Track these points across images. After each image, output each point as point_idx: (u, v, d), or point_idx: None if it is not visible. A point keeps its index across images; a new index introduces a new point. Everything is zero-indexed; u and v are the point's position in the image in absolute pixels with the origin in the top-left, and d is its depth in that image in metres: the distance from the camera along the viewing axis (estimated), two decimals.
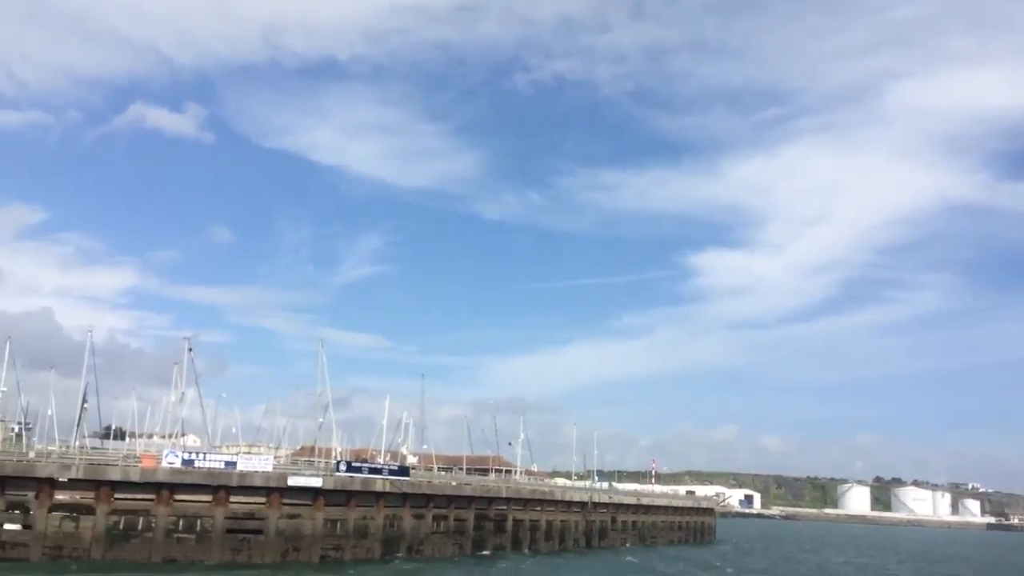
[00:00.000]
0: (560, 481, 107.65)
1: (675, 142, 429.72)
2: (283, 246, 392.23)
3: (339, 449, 74.20)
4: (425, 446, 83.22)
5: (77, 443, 61.80)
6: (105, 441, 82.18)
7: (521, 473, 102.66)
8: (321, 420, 63.44)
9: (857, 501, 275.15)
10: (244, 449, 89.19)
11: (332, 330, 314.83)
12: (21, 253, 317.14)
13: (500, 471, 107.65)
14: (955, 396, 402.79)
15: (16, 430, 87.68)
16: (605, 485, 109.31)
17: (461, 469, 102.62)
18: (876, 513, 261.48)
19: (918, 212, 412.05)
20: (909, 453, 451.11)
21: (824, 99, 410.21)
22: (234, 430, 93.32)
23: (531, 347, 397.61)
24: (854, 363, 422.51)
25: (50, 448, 58.07)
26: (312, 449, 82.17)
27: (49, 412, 70.21)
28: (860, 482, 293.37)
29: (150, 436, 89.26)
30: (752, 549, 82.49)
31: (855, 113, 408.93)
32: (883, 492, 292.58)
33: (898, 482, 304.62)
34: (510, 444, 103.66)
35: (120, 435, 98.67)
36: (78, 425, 59.48)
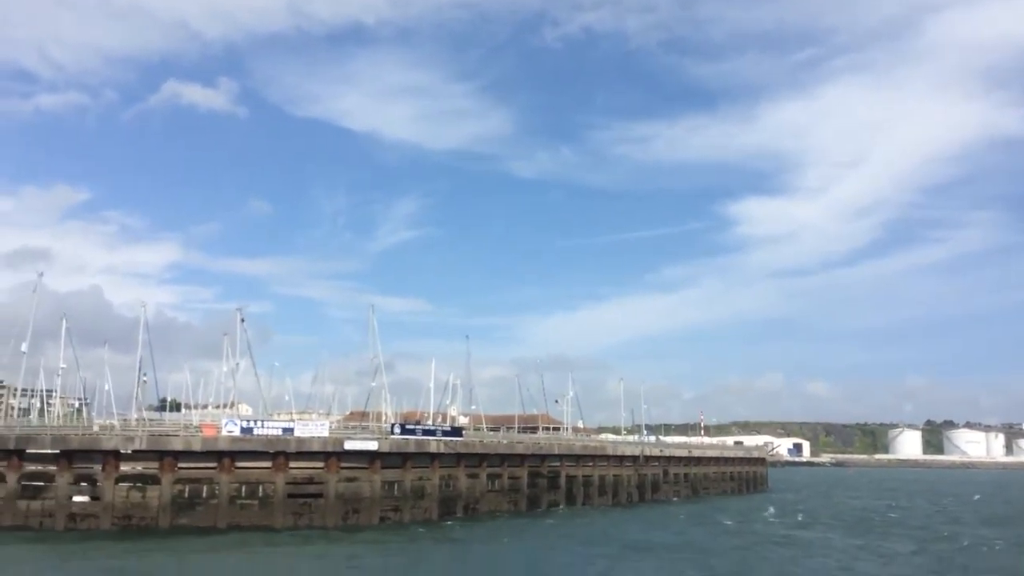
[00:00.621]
0: (608, 436, 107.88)
1: (709, 89, 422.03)
2: (321, 215, 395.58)
3: (389, 413, 75.07)
4: (474, 407, 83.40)
5: (136, 416, 63.29)
6: (163, 413, 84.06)
7: (568, 430, 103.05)
8: (373, 384, 63.93)
9: (908, 445, 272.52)
10: (296, 416, 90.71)
11: (373, 296, 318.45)
12: (68, 234, 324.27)
13: (548, 429, 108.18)
14: (1005, 335, 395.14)
15: (77, 406, 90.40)
16: (652, 439, 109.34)
17: (509, 428, 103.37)
18: (928, 457, 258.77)
19: (961, 148, 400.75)
20: (960, 395, 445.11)
21: (860, 37, 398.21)
22: (287, 397, 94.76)
23: (571, 304, 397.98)
24: (901, 305, 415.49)
25: (110, 422, 59.47)
26: (362, 414, 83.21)
27: (107, 387, 72.12)
28: (911, 426, 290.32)
29: (204, 407, 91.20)
30: (805, 497, 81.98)
31: (893, 50, 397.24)
32: (935, 435, 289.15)
33: (950, 425, 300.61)
34: (556, 402, 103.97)
35: (175, 407, 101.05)
36: (136, 398, 60.81)
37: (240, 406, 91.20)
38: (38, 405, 79.67)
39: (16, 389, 76.86)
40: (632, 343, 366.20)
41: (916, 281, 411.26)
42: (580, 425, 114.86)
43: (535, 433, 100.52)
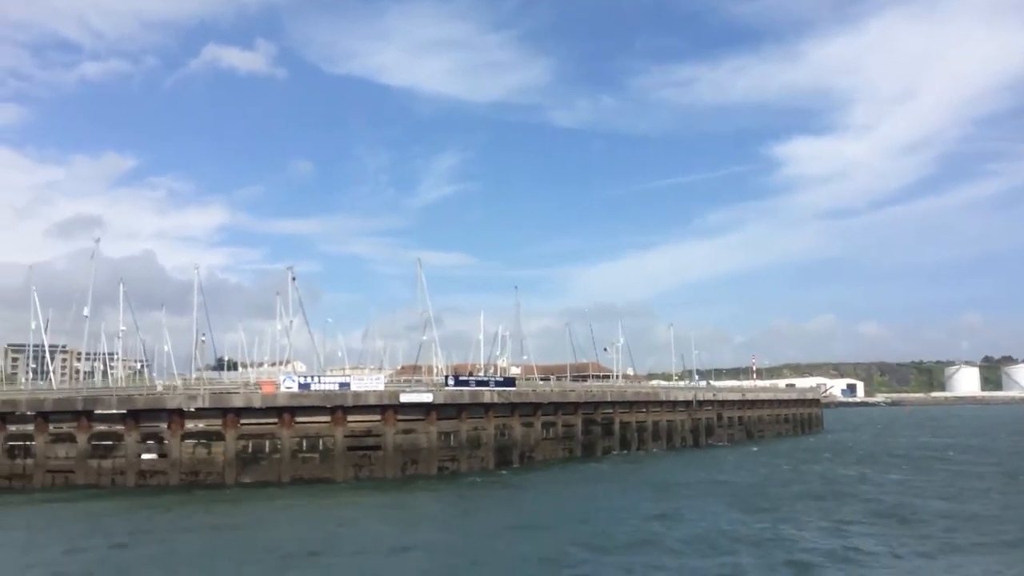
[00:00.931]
0: (657, 382, 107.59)
1: (751, 28, 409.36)
2: (363, 172, 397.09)
3: (440, 366, 75.73)
4: (525, 357, 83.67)
5: (195, 375, 64.87)
6: (221, 372, 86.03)
7: (619, 377, 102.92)
8: (424, 338, 64.35)
9: (965, 383, 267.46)
10: (348, 372, 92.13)
11: (417, 251, 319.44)
12: (119, 201, 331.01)
13: (598, 377, 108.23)
14: None
15: (139, 367, 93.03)
16: (703, 384, 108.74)
17: (560, 378, 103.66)
18: (986, 393, 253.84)
19: (1015, 77, 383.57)
20: (1019, 330, 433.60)
21: None
22: (340, 354, 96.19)
23: (615, 254, 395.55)
24: (955, 242, 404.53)
25: (170, 383, 60.91)
26: (414, 368, 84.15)
27: (166, 348, 73.95)
28: (968, 363, 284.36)
29: (260, 365, 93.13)
30: (862, 438, 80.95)
31: None
32: (993, 372, 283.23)
33: (1009, 360, 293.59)
34: (606, 350, 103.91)
35: (232, 366, 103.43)
36: (194, 358, 62.23)
37: (294, 363, 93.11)
38: (101, 368, 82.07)
39: (80, 353, 79.10)
40: (678, 290, 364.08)
41: (970, 216, 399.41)
42: (630, 372, 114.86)
43: (585, 382, 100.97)
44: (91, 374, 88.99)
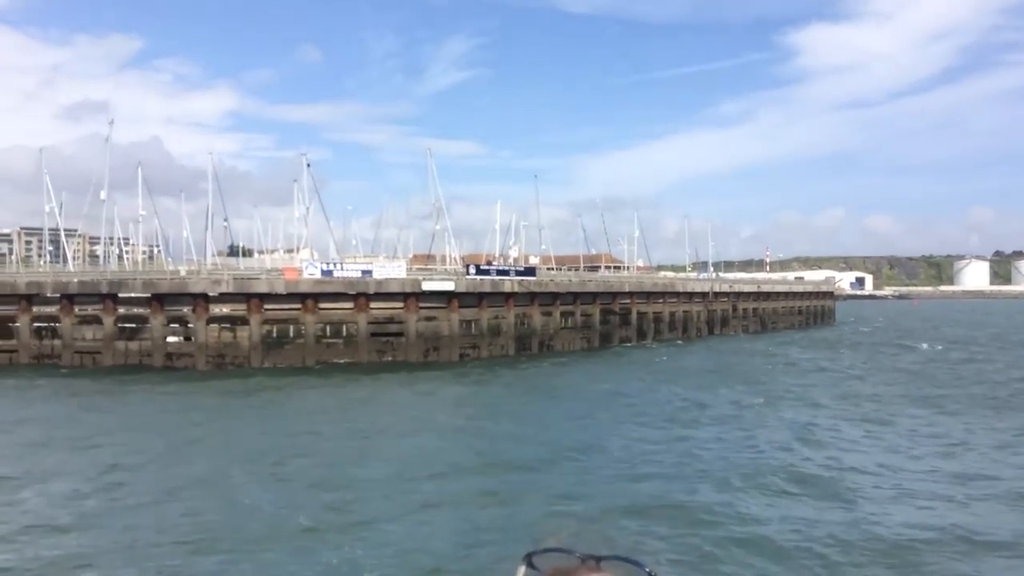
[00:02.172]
0: (666, 274, 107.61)
1: None
2: (371, 58, 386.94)
3: (453, 255, 75.60)
4: (544, 246, 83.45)
5: (210, 261, 65.07)
6: (238, 259, 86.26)
7: (633, 269, 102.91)
8: (437, 227, 64.01)
9: (975, 277, 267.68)
10: (362, 259, 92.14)
11: (426, 140, 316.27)
12: (125, 86, 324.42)
13: (610, 268, 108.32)
14: None
15: (152, 252, 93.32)
16: (713, 276, 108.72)
17: (571, 268, 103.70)
18: (995, 287, 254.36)
19: None
20: None
21: None
22: (353, 242, 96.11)
23: (627, 143, 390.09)
24: (970, 135, 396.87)
25: (193, 267, 61.07)
26: (427, 257, 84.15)
27: (184, 234, 73.89)
28: (979, 257, 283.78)
29: (272, 252, 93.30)
30: (878, 328, 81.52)
31: None
32: (1003, 266, 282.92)
33: (1019, 255, 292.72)
34: (608, 243, 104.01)
35: (244, 253, 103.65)
36: (207, 243, 62.16)
37: (311, 250, 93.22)
38: (116, 252, 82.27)
39: (94, 237, 79.19)
40: (688, 181, 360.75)
41: (989, 109, 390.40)
42: (640, 264, 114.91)
43: (596, 272, 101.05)
44: (106, 258, 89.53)
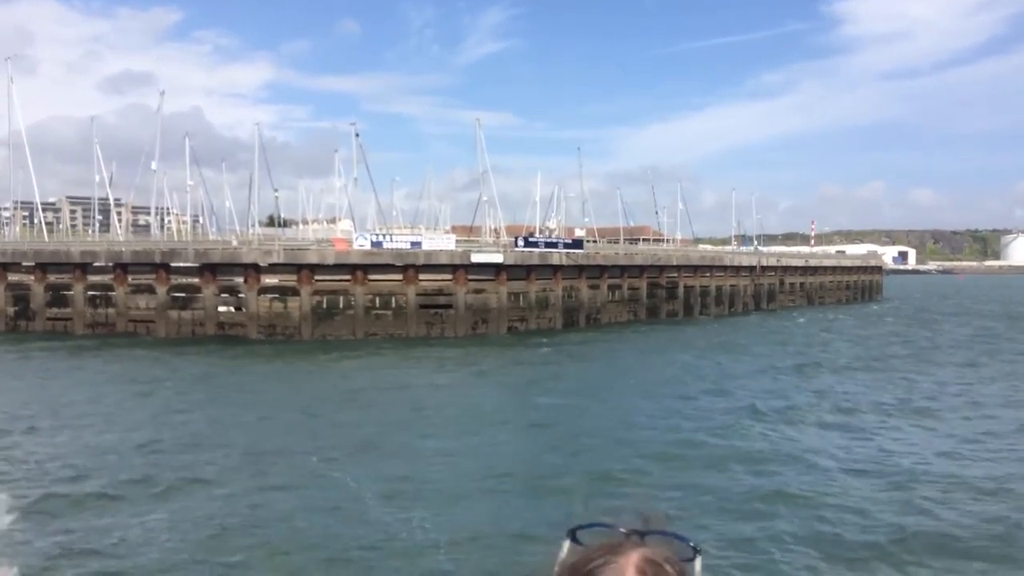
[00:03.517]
0: (703, 247, 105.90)
1: None
2: (409, 29, 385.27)
3: (501, 228, 75.20)
4: (586, 219, 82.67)
5: (253, 231, 65.46)
6: (284, 230, 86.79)
7: (671, 241, 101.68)
8: (484, 199, 63.68)
9: (1022, 252, 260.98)
10: (403, 230, 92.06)
11: (462, 111, 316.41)
12: (166, 58, 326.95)
13: (650, 241, 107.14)
14: None
15: (193, 221, 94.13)
16: (748, 249, 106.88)
17: (612, 241, 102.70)
18: None
19: None
20: None
21: None
22: (394, 213, 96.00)
23: (665, 115, 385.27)
24: (1018, 107, 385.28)
25: (245, 237, 61.43)
26: (469, 228, 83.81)
27: (227, 204, 74.43)
28: None
29: (315, 222, 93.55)
30: (930, 304, 79.67)
31: None
32: None
33: None
34: (656, 213, 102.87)
35: (285, 223, 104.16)
36: (253, 214, 62.40)
37: (344, 221, 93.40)
38: (158, 221, 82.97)
39: (145, 207, 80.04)
40: (727, 153, 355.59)
41: None
42: (678, 236, 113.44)
43: (639, 245, 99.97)
44: (153, 227, 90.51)
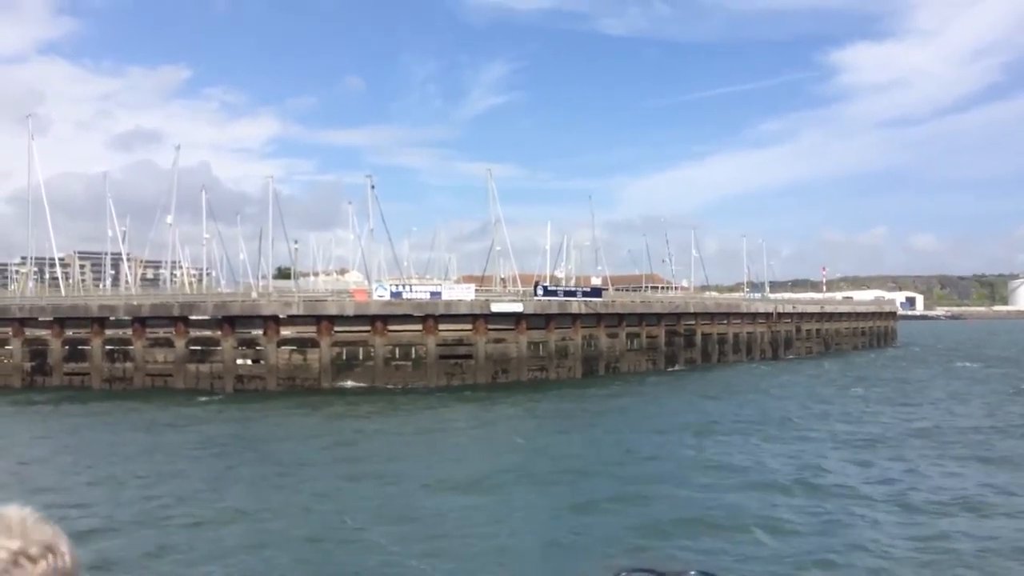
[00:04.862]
0: (709, 294, 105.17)
1: None
2: (411, 82, 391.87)
3: (511, 276, 75.12)
4: (600, 267, 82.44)
5: (261, 283, 65.46)
6: (298, 281, 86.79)
7: (676, 289, 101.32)
8: (497, 248, 63.75)
9: None
10: (415, 281, 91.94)
11: (465, 163, 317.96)
12: (175, 116, 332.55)
13: (655, 288, 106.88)
14: None
15: (212, 274, 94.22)
16: (758, 296, 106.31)
17: (619, 289, 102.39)
18: None
19: None
20: None
21: None
22: (405, 263, 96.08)
23: (666, 164, 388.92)
24: (1017, 152, 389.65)
25: (263, 290, 61.35)
26: (480, 278, 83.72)
27: (241, 256, 74.57)
28: None
29: (327, 274, 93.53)
30: (941, 347, 78.97)
31: None
32: None
33: None
34: (664, 261, 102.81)
35: (295, 275, 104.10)
36: (260, 266, 62.35)
37: (351, 272, 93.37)
38: (169, 275, 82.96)
39: (157, 261, 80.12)
40: (727, 200, 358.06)
41: None
42: (684, 284, 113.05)
43: (646, 292, 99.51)
44: (162, 281, 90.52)
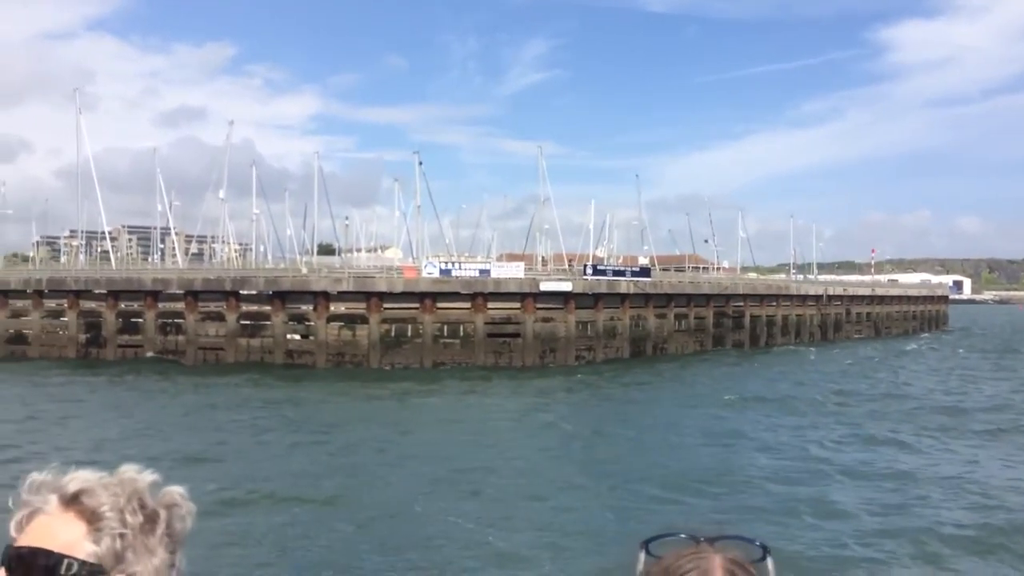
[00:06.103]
0: (752, 275, 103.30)
1: None
2: (452, 60, 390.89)
3: (554, 254, 74.64)
4: (646, 247, 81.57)
5: (304, 259, 65.95)
6: (341, 257, 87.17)
7: (719, 269, 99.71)
8: (546, 227, 63.50)
9: None
10: (458, 258, 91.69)
11: (505, 140, 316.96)
12: (219, 93, 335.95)
13: (696, 269, 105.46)
14: None
15: (255, 249, 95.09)
16: (800, 277, 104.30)
17: (664, 269, 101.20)
18: None
19: None
20: None
21: None
22: (447, 240, 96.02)
23: (706, 144, 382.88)
24: None
25: (314, 265, 61.62)
26: (521, 256, 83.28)
27: (288, 232, 75.19)
28: None
29: (370, 250, 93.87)
30: (998, 332, 76.86)
31: None
32: None
33: None
34: (706, 241, 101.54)
35: (335, 251, 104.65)
36: (303, 242, 62.64)
37: (392, 249, 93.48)
38: (211, 250, 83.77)
39: (202, 236, 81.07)
40: (769, 180, 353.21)
41: None
42: (725, 265, 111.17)
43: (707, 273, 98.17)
44: (208, 255, 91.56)
